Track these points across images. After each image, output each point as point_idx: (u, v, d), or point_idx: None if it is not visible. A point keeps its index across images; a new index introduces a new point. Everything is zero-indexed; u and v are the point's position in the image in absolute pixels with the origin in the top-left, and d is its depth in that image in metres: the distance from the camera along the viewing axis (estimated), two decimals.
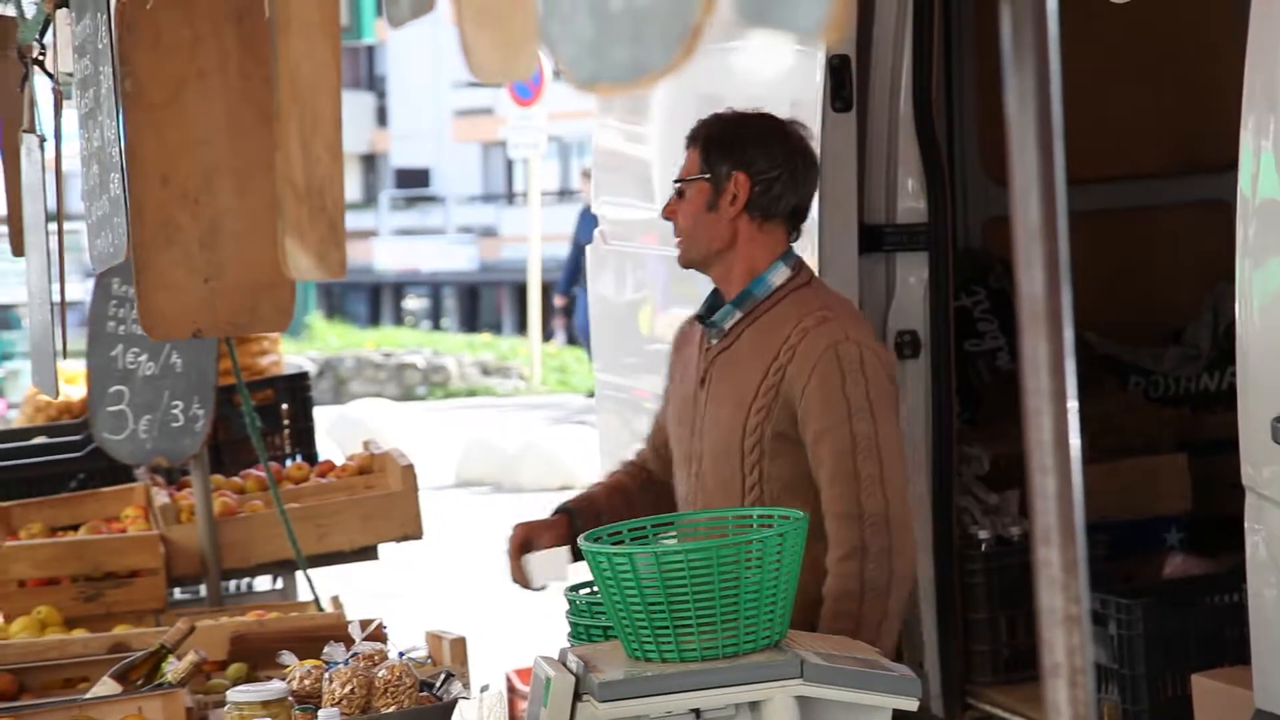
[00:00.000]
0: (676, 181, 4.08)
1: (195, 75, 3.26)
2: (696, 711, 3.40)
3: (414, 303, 40.99)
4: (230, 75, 3.27)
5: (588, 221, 15.62)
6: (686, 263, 4.10)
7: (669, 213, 4.08)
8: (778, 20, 1.80)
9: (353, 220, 43.28)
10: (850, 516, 3.86)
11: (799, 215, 4.06)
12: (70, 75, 4.38)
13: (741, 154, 4.02)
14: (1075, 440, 1.94)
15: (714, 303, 4.10)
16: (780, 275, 4.02)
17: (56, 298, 4.54)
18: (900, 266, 5.24)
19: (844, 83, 5.11)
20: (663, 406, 4.29)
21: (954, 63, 5.83)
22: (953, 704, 5.28)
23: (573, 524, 4.14)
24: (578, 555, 3.98)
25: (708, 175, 4.02)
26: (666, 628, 3.40)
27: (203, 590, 5.68)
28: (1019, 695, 5.23)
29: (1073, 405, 1.93)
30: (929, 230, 5.22)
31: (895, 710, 3.48)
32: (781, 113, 5.49)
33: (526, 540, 4.13)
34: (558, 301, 18.68)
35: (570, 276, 17.29)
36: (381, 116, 47.33)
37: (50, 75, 4.51)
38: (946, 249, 5.24)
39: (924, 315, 5.21)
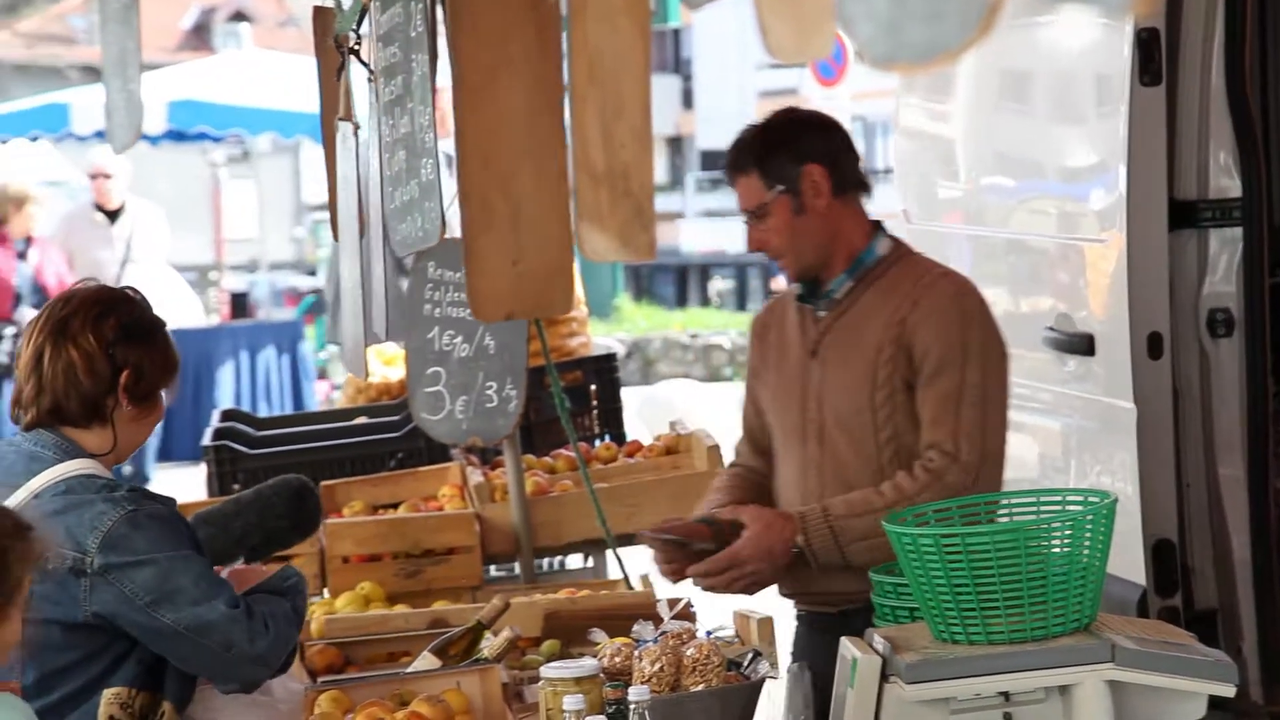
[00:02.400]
0: (749, 213, 4.09)
1: (505, 61, 3.32)
2: (1005, 694, 3.38)
3: (720, 284, 41.13)
4: (531, 61, 3.33)
5: None
6: (800, 274, 4.14)
7: (757, 244, 4.11)
8: None
9: (660, 202, 43.42)
10: (947, 452, 3.96)
11: (863, 177, 4.14)
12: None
13: (798, 151, 4.06)
14: None
15: (811, 286, 4.16)
16: (884, 245, 4.14)
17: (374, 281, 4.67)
18: (1213, 243, 5.12)
19: (1153, 56, 5.00)
20: (746, 408, 4.35)
21: (1269, 32, 5.66)
22: (1274, 690, 5.14)
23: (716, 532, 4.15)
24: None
25: (782, 187, 4.05)
26: (973, 609, 3.38)
27: (517, 568, 5.79)
28: None
29: None
30: (1243, 206, 5.09)
31: (1211, 696, 3.42)
32: (1088, 87, 5.43)
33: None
34: (776, 285, 18.42)
35: None
36: (687, 99, 47.56)
37: (366, 64, 4.63)
38: (1261, 225, 5.10)
39: (1238, 293, 5.09)
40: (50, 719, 3.58)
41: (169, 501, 3.77)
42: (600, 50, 2.71)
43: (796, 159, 4.05)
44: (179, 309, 12.96)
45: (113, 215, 12.41)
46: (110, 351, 3.72)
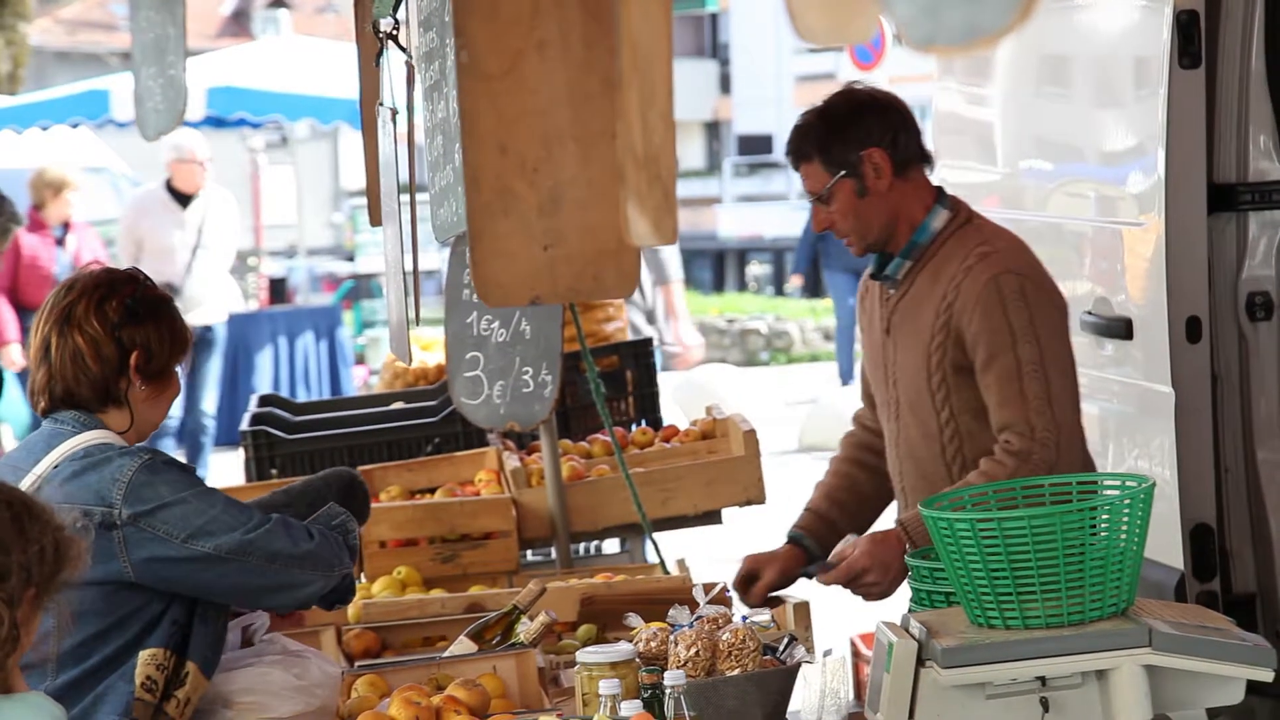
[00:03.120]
0: (815, 198, 4.19)
1: (535, 46, 3.29)
2: (1042, 679, 3.37)
3: (757, 269, 41.10)
4: (572, 44, 3.29)
5: None
6: (865, 251, 4.24)
7: (823, 225, 4.22)
8: None
9: (696, 187, 43.54)
10: (1022, 433, 4.02)
11: (924, 149, 4.22)
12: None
13: (858, 134, 4.14)
14: None
15: (883, 259, 4.27)
16: (940, 219, 4.21)
17: (410, 266, 4.67)
18: (1252, 226, 5.09)
19: (1192, 38, 4.98)
20: (863, 364, 4.52)
21: None
22: None
23: (805, 550, 4.35)
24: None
25: (844, 171, 4.14)
26: (1010, 594, 3.38)
27: (553, 553, 5.80)
28: None
29: None
30: None
31: (1250, 681, 3.41)
32: (1126, 70, 5.40)
33: (752, 573, 4.34)
34: (794, 281, 18.39)
35: (810, 253, 16.89)
36: (724, 84, 47.54)
37: (403, 49, 4.64)
38: None
39: (1277, 277, 5.06)
40: (89, 683, 3.61)
41: (188, 467, 3.81)
42: (639, 34, 2.71)
43: (857, 144, 4.13)
44: (229, 297, 12.84)
45: (185, 200, 12.11)
46: (117, 334, 3.74)
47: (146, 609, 3.67)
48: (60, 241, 11.74)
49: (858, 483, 4.46)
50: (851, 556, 4.14)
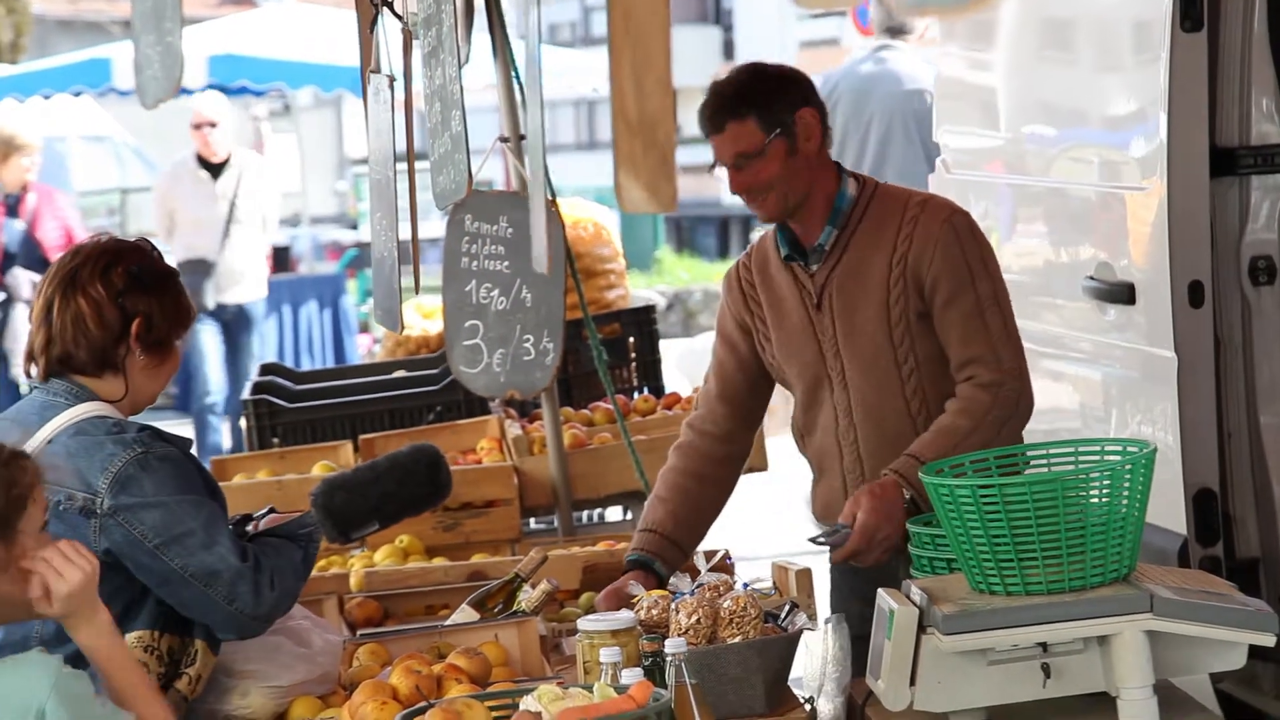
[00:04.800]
0: (744, 156, 4.16)
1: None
2: (1043, 645, 3.37)
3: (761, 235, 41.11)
4: None
5: None
6: (780, 214, 4.24)
7: (746, 184, 4.19)
8: None
9: (700, 154, 43.53)
10: (990, 365, 4.11)
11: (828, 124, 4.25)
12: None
13: (793, 94, 4.17)
14: None
15: (792, 240, 4.28)
16: (852, 187, 4.26)
17: (404, 235, 4.65)
18: (1255, 190, 5.07)
19: (1194, 1, 4.95)
20: (724, 363, 4.40)
21: None
22: None
23: (654, 573, 4.26)
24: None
25: (779, 129, 4.14)
26: (1011, 560, 3.37)
27: (555, 520, 5.80)
28: None
29: None
30: None
31: (1252, 646, 3.40)
32: (1128, 34, 5.38)
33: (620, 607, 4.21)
34: None
35: None
36: (728, 50, 47.45)
37: (399, 16, 4.62)
38: None
39: None
40: (75, 666, 3.59)
41: (183, 443, 3.77)
42: (634, 2, 2.71)
43: (792, 103, 4.17)
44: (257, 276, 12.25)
45: (216, 169, 11.53)
46: (120, 301, 3.74)
47: (126, 588, 3.66)
48: (14, 209, 11.01)
49: (691, 496, 4.37)
50: (861, 519, 4.05)
